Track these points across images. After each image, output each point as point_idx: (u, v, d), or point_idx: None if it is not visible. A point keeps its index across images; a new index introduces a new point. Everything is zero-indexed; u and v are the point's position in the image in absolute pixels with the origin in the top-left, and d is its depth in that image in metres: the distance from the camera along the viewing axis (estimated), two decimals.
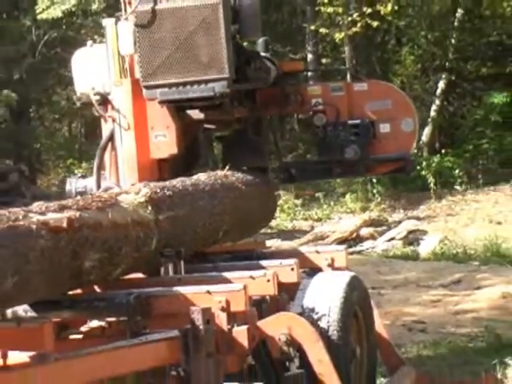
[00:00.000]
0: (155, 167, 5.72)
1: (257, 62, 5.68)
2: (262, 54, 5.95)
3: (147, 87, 5.51)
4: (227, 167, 5.72)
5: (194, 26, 5.36)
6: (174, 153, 5.65)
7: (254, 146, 6.07)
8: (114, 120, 5.71)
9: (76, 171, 22.48)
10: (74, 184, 5.89)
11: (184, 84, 5.42)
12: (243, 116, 5.94)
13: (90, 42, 6.05)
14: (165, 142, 5.64)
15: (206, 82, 5.38)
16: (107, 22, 5.87)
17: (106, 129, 5.77)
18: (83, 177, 6.05)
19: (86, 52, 5.98)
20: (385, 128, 5.87)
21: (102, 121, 5.83)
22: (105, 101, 5.74)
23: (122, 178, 5.68)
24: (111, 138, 5.74)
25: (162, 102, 5.54)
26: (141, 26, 5.46)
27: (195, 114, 5.73)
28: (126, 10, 5.71)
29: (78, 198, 4.39)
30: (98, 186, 5.65)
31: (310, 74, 12.37)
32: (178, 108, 5.64)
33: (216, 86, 5.35)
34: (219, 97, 5.40)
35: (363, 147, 5.83)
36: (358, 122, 5.87)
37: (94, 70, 5.80)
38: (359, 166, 5.98)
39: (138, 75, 5.60)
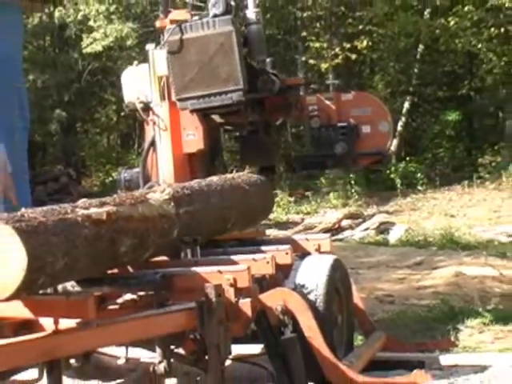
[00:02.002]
0: (186, 160, 5.97)
1: (264, 76, 5.85)
2: (269, 70, 6.08)
3: (180, 100, 5.78)
4: (234, 171, 5.78)
5: (214, 50, 5.62)
6: (201, 148, 5.90)
7: (264, 146, 6.22)
8: (154, 123, 5.99)
9: (113, 174, 22.52)
10: (122, 174, 6.15)
11: (209, 95, 5.67)
12: (255, 120, 6.12)
13: (135, 62, 6.35)
14: (194, 140, 5.90)
15: (226, 92, 5.62)
16: (149, 47, 6.10)
17: (148, 130, 6.08)
18: (130, 168, 6.27)
19: (132, 70, 6.29)
20: (366, 129, 6.03)
21: (145, 124, 6.10)
22: (147, 108, 6.01)
23: (160, 169, 5.93)
24: (154, 138, 6.00)
25: (192, 111, 5.82)
26: (172, 53, 5.73)
27: (217, 118, 6.01)
28: (161, 39, 5.99)
29: (115, 195, 4.37)
30: (144, 176, 5.94)
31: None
32: (204, 113, 5.89)
33: (234, 95, 5.61)
34: (236, 104, 5.66)
35: (349, 144, 6.00)
36: (345, 124, 6.05)
37: (139, 83, 6.06)
38: (347, 159, 6.14)
39: (172, 92, 5.87)
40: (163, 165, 5.96)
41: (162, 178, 5.89)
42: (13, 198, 7.70)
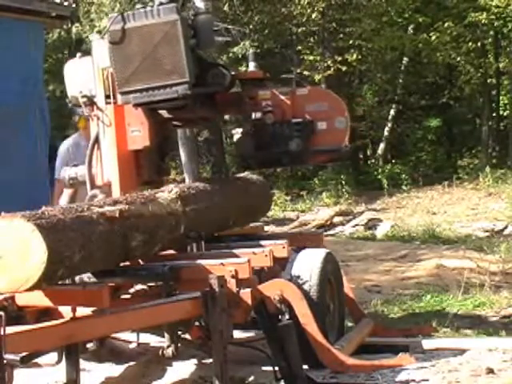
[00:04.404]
0: (132, 157, 5.22)
1: (214, 69, 5.12)
2: (220, 63, 5.51)
3: (122, 93, 5.01)
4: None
5: (158, 40, 4.88)
6: (147, 145, 5.16)
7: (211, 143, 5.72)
8: (98, 118, 5.26)
9: None
10: (67, 171, 5.44)
11: (152, 89, 4.92)
12: (207, 116, 5.47)
13: (79, 54, 5.59)
14: (139, 136, 5.17)
15: (171, 86, 4.88)
16: (93, 38, 5.45)
17: (93, 126, 5.31)
18: (75, 165, 5.49)
19: (75, 62, 5.54)
20: (322, 125, 5.31)
21: (90, 120, 5.36)
22: (91, 102, 5.28)
23: (105, 167, 5.22)
24: (98, 134, 5.29)
25: (135, 105, 5.06)
26: (113, 43, 4.95)
27: (165, 113, 5.27)
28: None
29: (127, 195, 4.36)
30: (90, 174, 5.21)
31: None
32: (150, 108, 5.14)
33: (179, 89, 4.86)
34: (182, 98, 4.91)
35: (304, 141, 5.29)
36: (300, 120, 5.32)
37: (82, 76, 5.36)
38: (302, 156, 5.42)
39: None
40: (107, 163, 5.20)
41: (107, 177, 5.17)
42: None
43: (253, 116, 5.37)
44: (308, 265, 4.81)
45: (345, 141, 5.31)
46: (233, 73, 5.25)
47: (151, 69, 4.89)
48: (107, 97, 5.20)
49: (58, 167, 6.34)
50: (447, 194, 18.41)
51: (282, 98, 5.33)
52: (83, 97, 5.27)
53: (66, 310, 3.61)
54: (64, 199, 5.70)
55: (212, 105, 5.31)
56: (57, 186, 6.41)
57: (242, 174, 5.90)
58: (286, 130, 5.30)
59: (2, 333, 3.02)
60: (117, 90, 5.05)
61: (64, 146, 6.53)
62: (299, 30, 22.16)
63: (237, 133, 5.39)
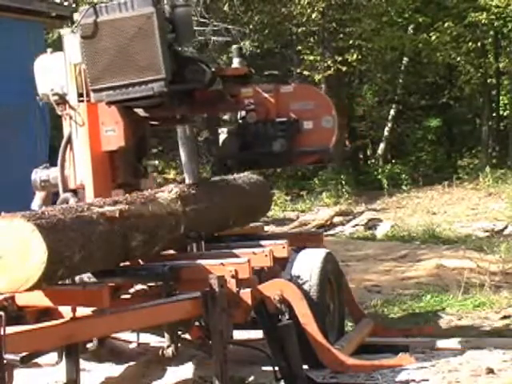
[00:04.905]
0: (106, 159, 4.93)
1: (193, 65, 4.80)
2: (201, 58, 5.12)
3: (94, 91, 4.73)
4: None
5: (132, 34, 4.59)
6: (122, 145, 4.87)
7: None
8: (70, 117, 4.97)
9: None
10: (38, 173, 5.16)
11: (126, 86, 4.64)
12: (188, 115, 5.21)
13: (49, 50, 5.26)
14: (114, 136, 4.87)
15: (146, 82, 4.60)
16: (64, 33, 5.11)
17: (66, 125, 5.03)
18: (46, 167, 5.21)
19: (46, 58, 5.20)
20: (308, 125, 5.00)
21: (63, 119, 5.07)
22: (63, 101, 5.00)
23: (78, 169, 4.94)
24: (71, 134, 5.01)
25: (108, 103, 4.76)
26: (85, 37, 4.66)
27: (141, 111, 4.99)
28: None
29: (127, 195, 4.34)
30: (62, 176, 4.96)
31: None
32: (125, 106, 4.86)
33: (155, 86, 4.58)
34: (158, 96, 4.64)
35: (289, 141, 4.98)
36: (284, 119, 5.00)
37: (53, 73, 5.06)
38: (287, 157, 5.09)
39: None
40: (80, 164, 4.91)
41: (80, 179, 4.91)
42: None
43: (238, 115, 5.13)
44: (308, 265, 4.81)
45: (332, 141, 5.02)
46: (214, 69, 4.98)
47: (125, 65, 4.64)
48: (80, 95, 4.95)
49: None
50: (447, 193, 18.41)
51: (266, 95, 5.04)
52: (54, 95, 5.00)
53: (66, 310, 3.62)
54: (36, 203, 5.40)
55: (191, 103, 5.02)
56: None
57: (241, 174, 5.90)
58: (270, 129, 5.01)
59: (2, 333, 3.02)
60: (89, 87, 4.79)
61: None
62: (299, 29, 22.15)
63: (222, 132, 5.17)
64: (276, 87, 5.09)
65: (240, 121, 5.06)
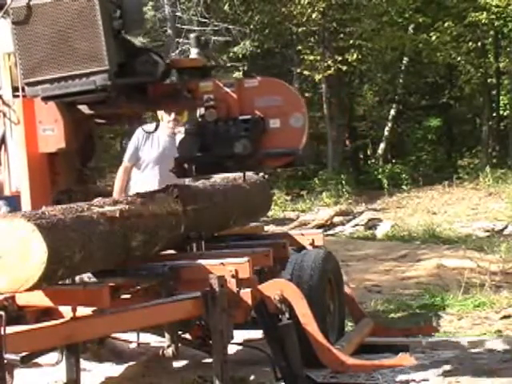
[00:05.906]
0: (45, 161, 4.36)
1: (143, 56, 4.23)
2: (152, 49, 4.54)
3: (28, 84, 4.13)
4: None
5: (71, 20, 3.99)
6: (62, 147, 4.31)
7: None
8: (4, 115, 4.39)
9: None
10: None
11: (65, 79, 4.05)
12: (138, 111, 4.71)
13: None
14: (53, 136, 4.30)
15: (87, 75, 4.02)
16: None
17: (0, 125, 4.47)
18: None
19: None
20: (275, 123, 4.32)
21: None
22: None
23: (13, 173, 4.43)
24: (4, 133, 4.46)
25: (44, 99, 4.16)
26: (17, 23, 4.05)
27: (85, 108, 4.38)
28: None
29: (127, 195, 4.34)
30: None
31: None
32: (66, 103, 4.25)
33: (97, 79, 4.00)
34: (101, 90, 4.04)
35: (253, 142, 4.29)
36: (248, 117, 4.32)
37: None
38: (250, 160, 4.38)
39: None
40: (15, 167, 4.37)
41: (15, 185, 4.39)
42: None
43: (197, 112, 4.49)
44: (308, 265, 4.81)
45: (302, 142, 4.35)
46: (168, 61, 4.40)
47: (63, 54, 4.04)
48: (15, 89, 4.36)
49: (129, 151, 6.43)
50: (447, 193, 18.42)
51: (227, 90, 4.37)
52: None
53: (66, 310, 3.61)
54: None
55: (142, 98, 4.42)
56: (121, 170, 6.46)
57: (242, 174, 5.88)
58: (232, 128, 4.33)
59: (3, 333, 3.02)
60: (22, 80, 4.16)
61: (139, 131, 6.17)
62: (299, 29, 22.17)
63: (179, 132, 4.74)
64: (239, 81, 4.45)
65: (199, 119, 4.44)
